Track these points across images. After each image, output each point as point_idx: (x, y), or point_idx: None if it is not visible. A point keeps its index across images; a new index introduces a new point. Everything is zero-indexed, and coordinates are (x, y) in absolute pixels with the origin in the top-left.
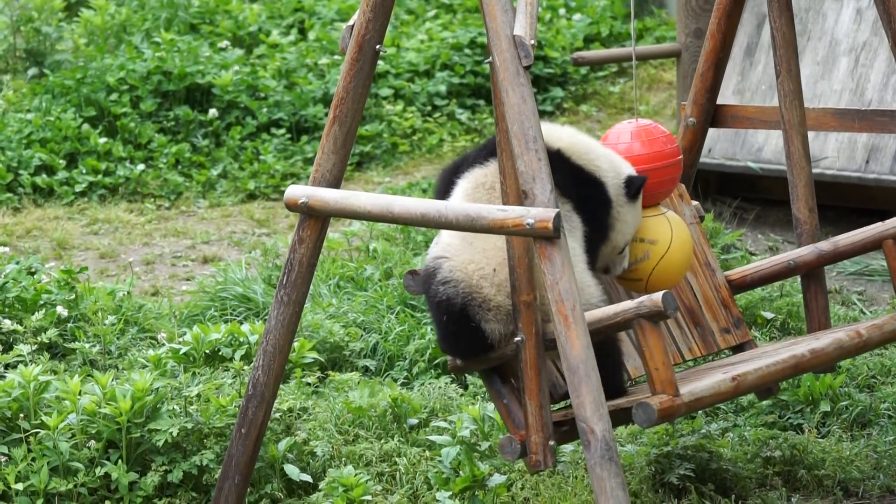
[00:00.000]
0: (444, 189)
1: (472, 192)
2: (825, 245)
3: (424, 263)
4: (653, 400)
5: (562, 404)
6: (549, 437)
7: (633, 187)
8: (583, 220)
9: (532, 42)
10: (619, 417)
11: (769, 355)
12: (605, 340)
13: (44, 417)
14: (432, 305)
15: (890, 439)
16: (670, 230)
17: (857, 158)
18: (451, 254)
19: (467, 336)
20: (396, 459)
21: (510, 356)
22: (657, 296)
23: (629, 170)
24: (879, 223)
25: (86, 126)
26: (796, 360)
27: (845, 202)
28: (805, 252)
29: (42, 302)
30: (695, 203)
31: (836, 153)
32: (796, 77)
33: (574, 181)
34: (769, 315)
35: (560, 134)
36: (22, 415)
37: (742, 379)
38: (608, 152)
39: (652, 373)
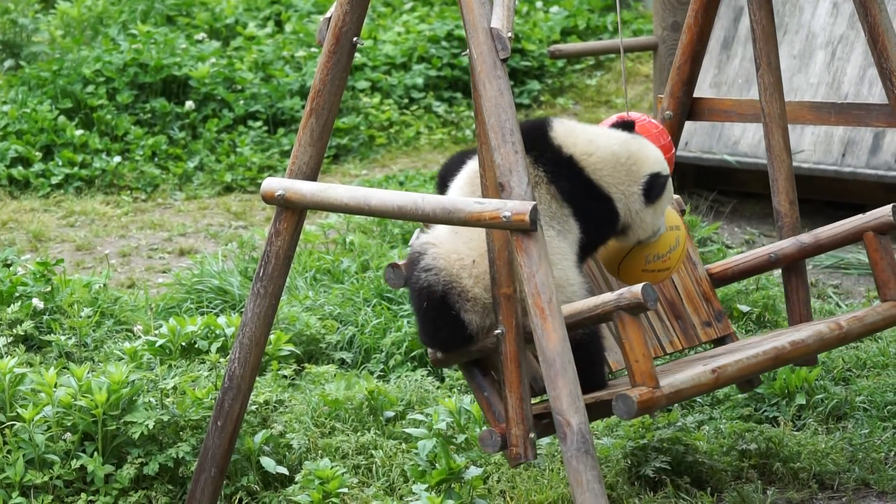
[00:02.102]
0: (451, 170)
1: (465, 185)
2: (806, 238)
3: (411, 248)
4: (632, 391)
5: (543, 396)
6: (530, 429)
7: (653, 191)
8: (581, 228)
9: (509, 35)
10: (600, 410)
11: (750, 347)
12: (585, 333)
13: (19, 410)
14: (414, 292)
15: (865, 432)
16: (677, 215)
17: (833, 152)
18: (438, 241)
19: (447, 325)
20: (373, 452)
21: (490, 349)
22: (636, 288)
23: (652, 167)
24: (860, 215)
25: (62, 118)
26: (777, 351)
27: (822, 195)
28: (786, 245)
29: (18, 294)
30: (675, 196)
31: (812, 146)
32: (776, 70)
33: (581, 191)
34: (745, 308)
35: (576, 139)
36: None
37: (722, 371)
38: (631, 154)
39: (632, 364)
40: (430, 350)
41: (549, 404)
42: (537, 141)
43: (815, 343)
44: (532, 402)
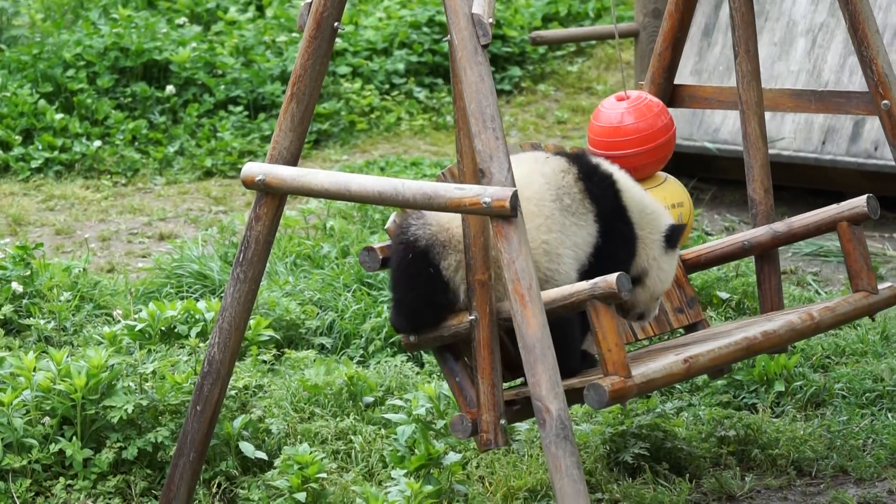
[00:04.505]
0: None
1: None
2: (780, 226)
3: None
4: (604, 381)
5: (514, 382)
6: (501, 416)
7: (674, 236)
8: (600, 231)
9: (490, 20)
10: (571, 397)
11: (721, 336)
12: (559, 320)
13: None
14: (398, 246)
15: (843, 419)
16: (683, 189)
17: (813, 139)
18: None
19: (424, 281)
20: (352, 437)
21: (463, 334)
22: (611, 277)
23: (669, 219)
24: (834, 205)
25: (42, 102)
26: (748, 342)
27: (801, 183)
28: (760, 233)
29: None
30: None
31: (792, 134)
32: (754, 58)
33: (609, 203)
34: (724, 295)
35: (621, 174)
36: None
37: (694, 361)
38: (655, 208)
39: (605, 354)
40: (403, 336)
41: (521, 390)
42: (577, 156)
43: (786, 333)
44: (503, 387)
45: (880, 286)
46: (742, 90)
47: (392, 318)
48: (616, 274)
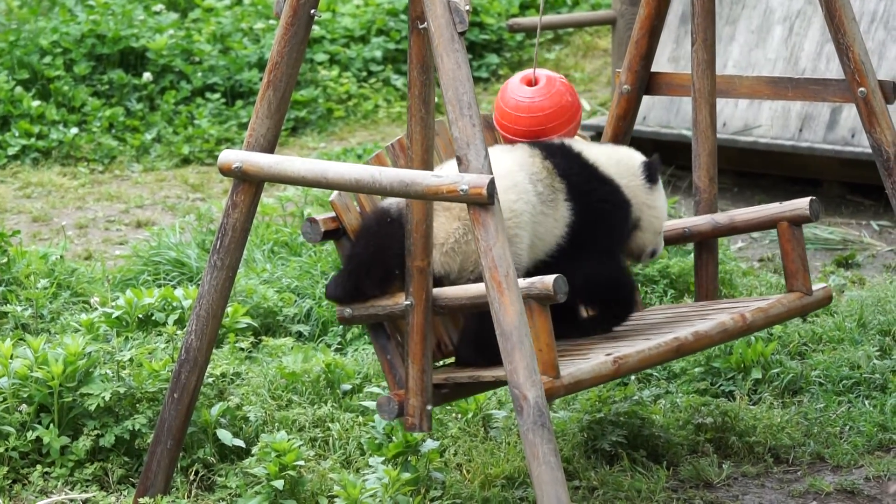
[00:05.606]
0: None
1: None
2: (721, 217)
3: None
4: None
5: (445, 361)
6: (428, 401)
7: (652, 171)
8: (573, 210)
9: (467, 8)
10: (493, 386)
11: (652, 333)
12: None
13: None
14: (374, 214)
15: (820, 406)
16: None
17: (790, 127)
18: None
19: (392, 245)
20: (329, 425)
21: (397, 315)
22: (549, 279)
23: (641, 157)
24: (777, 203)
25: (19, 89)
26: (679, 342)
27: (778, 170)
28: (701, 222)
29: None
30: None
31: (769, 122)
32: (711, 47)
33: (578, 170)
34: None
35: (579, 142)
36: None
37: (623, 362)
38: (621, 155)
39: (536, 353)
40: (338, 308)
41: (451, 374)
42: (536, 143)
43: (718, 335)
44: (433, 366)
45: (815, 287)
46: (696, 78)
47: (331, 286)
48: (553, 276)
